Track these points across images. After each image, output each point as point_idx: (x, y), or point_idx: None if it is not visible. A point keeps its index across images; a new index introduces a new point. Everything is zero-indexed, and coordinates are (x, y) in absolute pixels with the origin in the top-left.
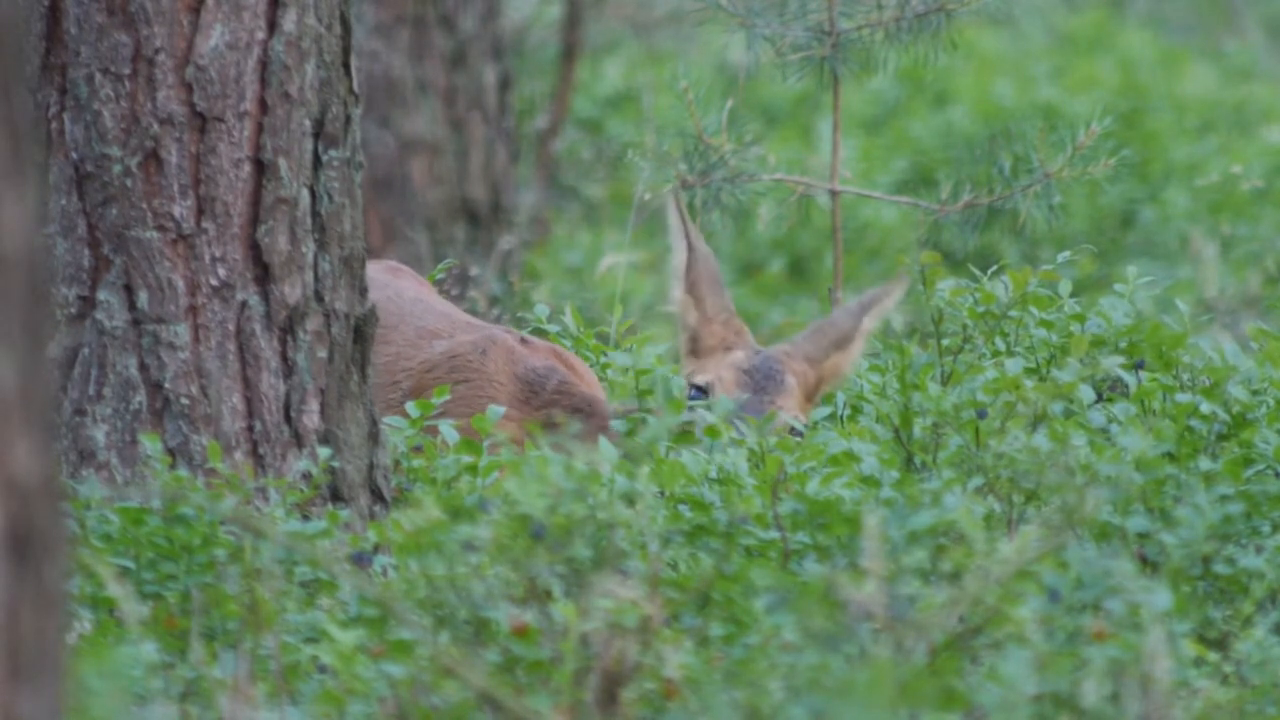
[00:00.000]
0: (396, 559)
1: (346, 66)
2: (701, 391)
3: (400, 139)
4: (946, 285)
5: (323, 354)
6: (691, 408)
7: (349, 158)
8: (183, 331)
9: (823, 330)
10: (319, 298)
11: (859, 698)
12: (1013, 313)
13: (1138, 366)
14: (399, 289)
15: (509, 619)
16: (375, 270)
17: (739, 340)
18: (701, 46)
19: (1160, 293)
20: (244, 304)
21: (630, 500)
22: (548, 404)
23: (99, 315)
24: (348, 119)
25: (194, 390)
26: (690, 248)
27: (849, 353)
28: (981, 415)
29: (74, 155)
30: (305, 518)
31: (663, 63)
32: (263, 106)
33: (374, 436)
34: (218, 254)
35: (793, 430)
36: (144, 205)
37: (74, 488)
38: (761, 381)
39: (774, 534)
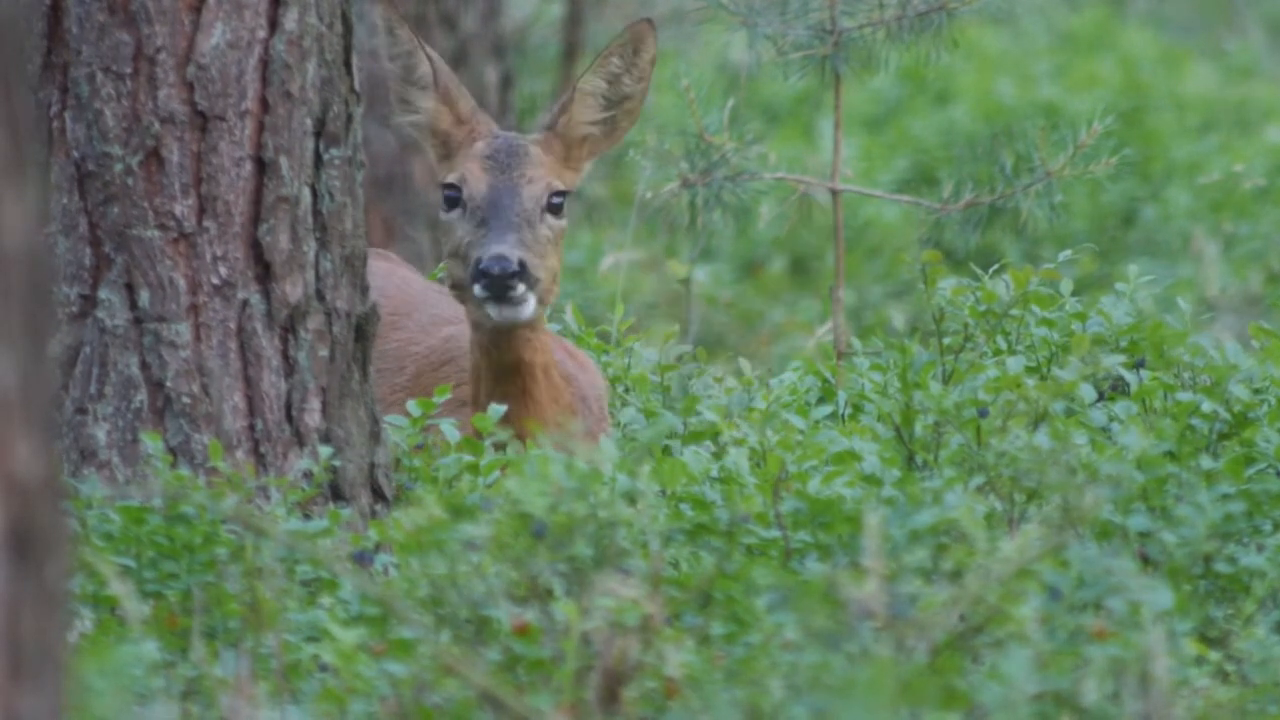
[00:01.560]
0: (398, 558)
1: (348, 65)
2: (454, 188)
3: (401, 138)
4: (948, 284)
5: (324, 353)
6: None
7: (350, 156)
8: (184, 330)
9: (551, 103)
10: (320, 296)
11: (860, 696)
12: (1014, 311)
13: (1138, 365)
14: (406, 277)
15: (510, 618)
16: (372, 260)
17: (485, 130)
18: (703, 45)
19: (1162, 291)
20: (245, 303)
21: (631, 499)
22: None
23: (100, 314)
24: (349, 118)
25: (195, 389)
26: (430, 58)
27: (574, 110)
28: (983, 414)
29: (75, 154)
30: (306, 516)
31: (664, 61)
32: (264, 105)
33: (375, 435)
34: (219, 253)
35: (555, 193)
36: (145, 204)
37: (75, 486)
38: (506, 160)
39: (775, 533)
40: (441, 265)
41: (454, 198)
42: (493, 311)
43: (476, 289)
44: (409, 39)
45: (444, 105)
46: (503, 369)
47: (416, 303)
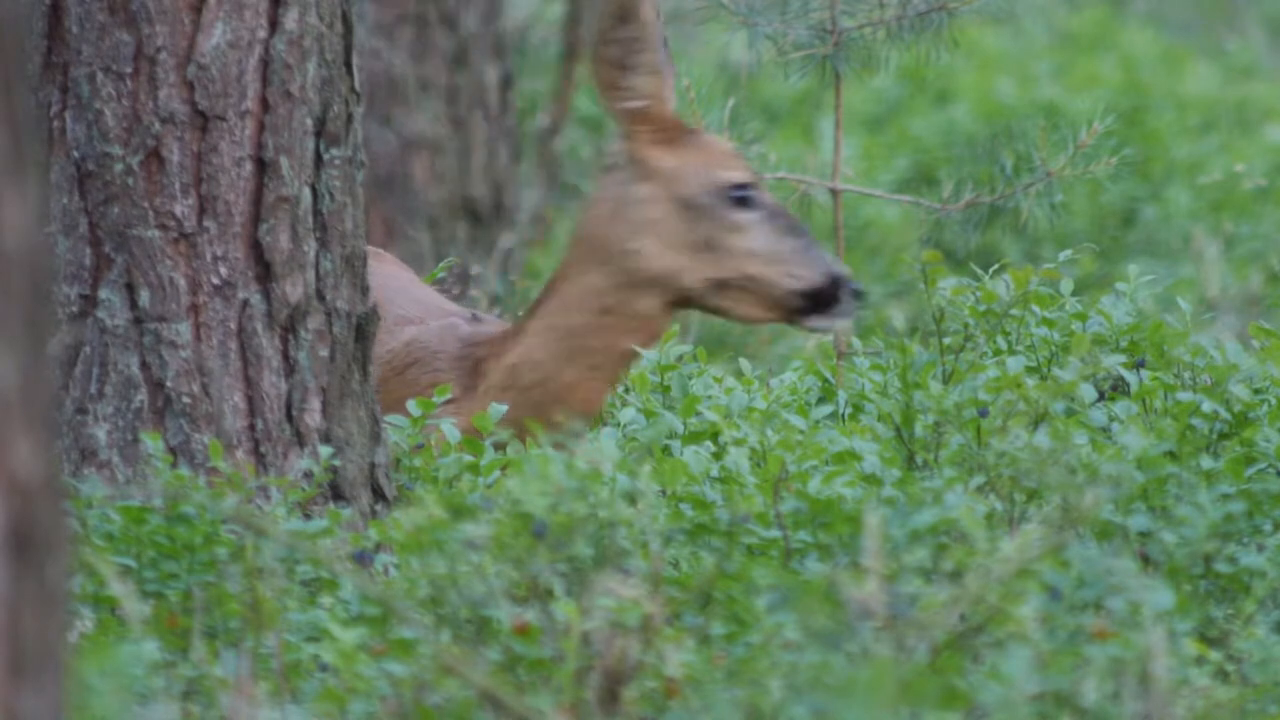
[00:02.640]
0: (398, 557)
1: (348, 65)
2: (747, 188)
3: (402, 138)
4: (948, 284)
5: (324, 353)
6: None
7: (351, 156)
8: (184, 330)
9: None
10: (320, 296)
11: (860, 696)
12: (1014, 311)
13: (1139, 365)
14: (388, 274)
15: (510, 618)
16: None
17: (688, 122)
18: (703, 45)
19: (1162, 291)
20: (245, 303)
21: (632, 499)
22: (481, 359)
23: (100, 314)
24: (349, 117)
25: (195, 389)
26: (665, 41)
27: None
28: (983, 414)
29: (76, 154)
30: (307, 516)
31: None
32: (264, 105)
33: (375, 435)
34: (219, 253)
35: None
36: (145, 204)
37: (75, 486)
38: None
39: (776, 533)
40: (445, 263)
41: (747, 198)
42: (827, 324)
43: (844, 303)
44: (652, 21)
45: (668, 92)
46: (627, 360)
47: (385, 303)
